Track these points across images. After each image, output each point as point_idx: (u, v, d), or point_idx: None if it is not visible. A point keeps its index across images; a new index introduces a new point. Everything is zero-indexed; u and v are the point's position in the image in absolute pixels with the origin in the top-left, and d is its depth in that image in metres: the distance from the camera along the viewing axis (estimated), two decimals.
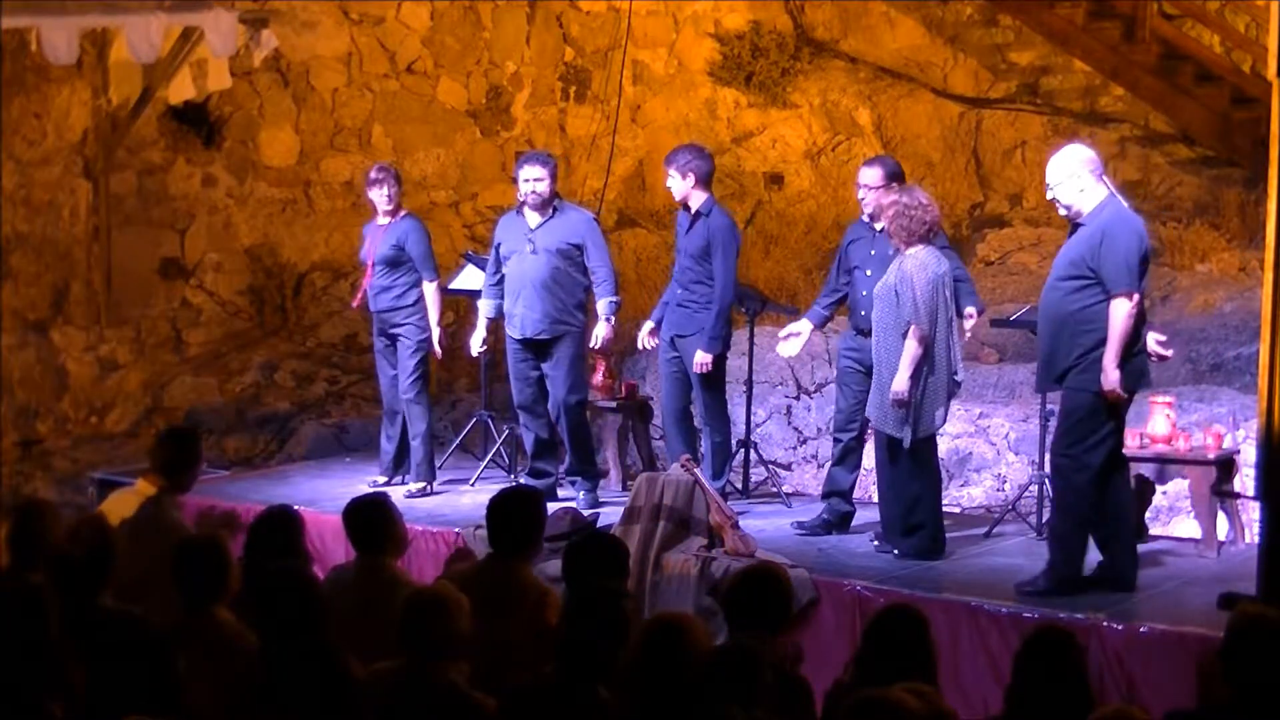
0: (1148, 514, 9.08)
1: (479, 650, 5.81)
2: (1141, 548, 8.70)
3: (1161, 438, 8.66)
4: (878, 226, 8.83)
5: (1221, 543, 8.52)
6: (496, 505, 6.76)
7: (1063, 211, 7.88)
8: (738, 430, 10.19)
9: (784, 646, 7.73)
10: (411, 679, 5.44)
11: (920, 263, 8.21)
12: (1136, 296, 7.57)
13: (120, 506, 7.53)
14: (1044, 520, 8.82)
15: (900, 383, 8.17)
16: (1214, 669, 5.28)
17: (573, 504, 9.30)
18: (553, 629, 5.89)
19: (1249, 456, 8.29)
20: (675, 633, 5.11)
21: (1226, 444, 8.85)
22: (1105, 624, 7.22)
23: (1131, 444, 8.74)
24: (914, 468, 8.40)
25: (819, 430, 11.29)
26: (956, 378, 8.42)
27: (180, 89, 11.99)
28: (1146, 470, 8.73)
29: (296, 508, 7.35)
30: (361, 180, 13.38)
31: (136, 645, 5.13)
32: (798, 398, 11.42)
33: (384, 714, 5.39)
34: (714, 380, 9.42)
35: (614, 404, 10.15)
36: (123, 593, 6.10)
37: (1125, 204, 7.83)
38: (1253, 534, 8.34)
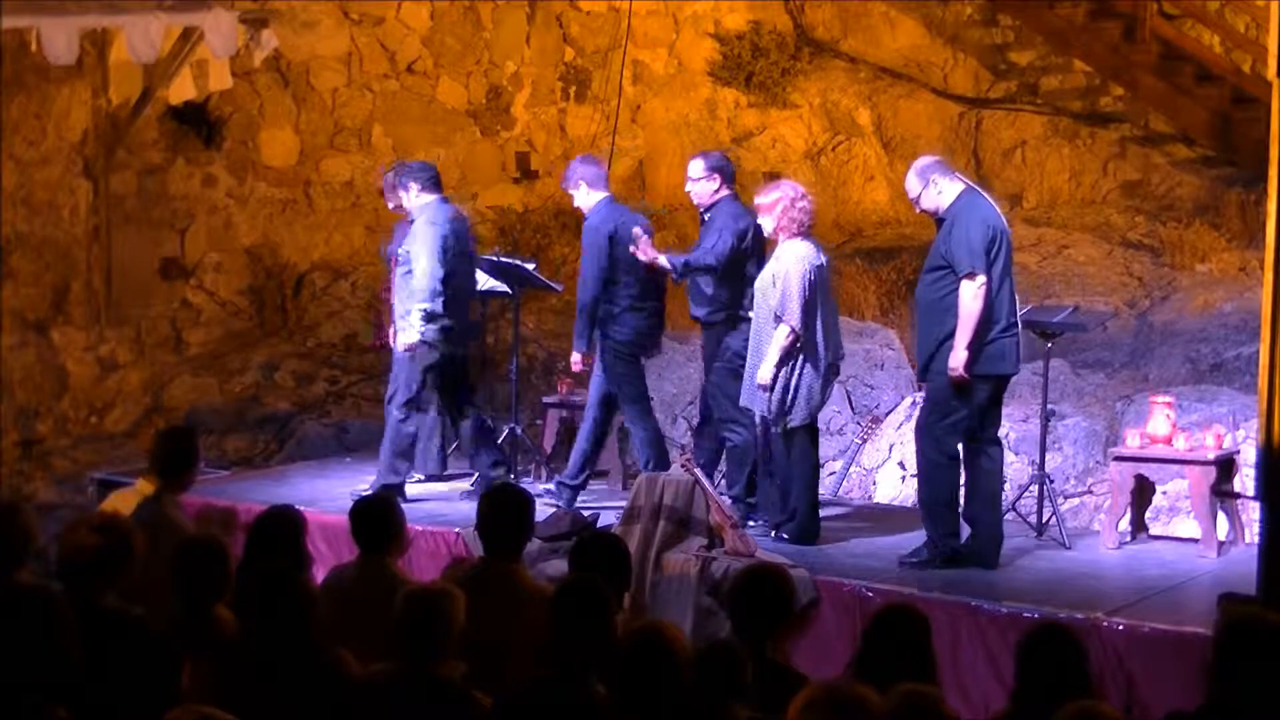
0: (1148, 514, 9.08)
1: (476, 652, 5.81)
2: (1142, 548, 8.74)
3: (1161, 438, 8.66)
4: (707, 216, 9.09)
5: (1221, 543, 8.52)
6: (483, 509, 6.76)
7: (935, 215, 8.27)
8: None
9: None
10: (410, 677, 5.44)
11: (798, 255, 8.46)
12: (982, 278, 7.90)
13: (120, 506, 7.52)
14: (1044, 520, 8.83)
15: (765, 371, 8.44)
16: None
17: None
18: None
19: (1249, 456, 8.29)
20: (655, 645, 5.09)
21: (1226, 444, 8.84)
22: (1105, 624, 7.23)
23: (1132, 444, 8.75)
24: (791, 455, 8.61)
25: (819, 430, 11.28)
26: (839, 360, 8.69)
27: (181, 89, 11.98)
28: (1146, 470, 8.74)
29: (299, 508, 7.34)
30: (362, 180, 13.46)
31: (137, 646, 5.13)
32: None
33: (382, 712, 5.39)
34: (614, 377, 9.29)
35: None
36: (123, 592, 6.10)
37: (982, 195, 8.28)
38: (1253, 534, 8.34)
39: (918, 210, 8.47)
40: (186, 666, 5.46)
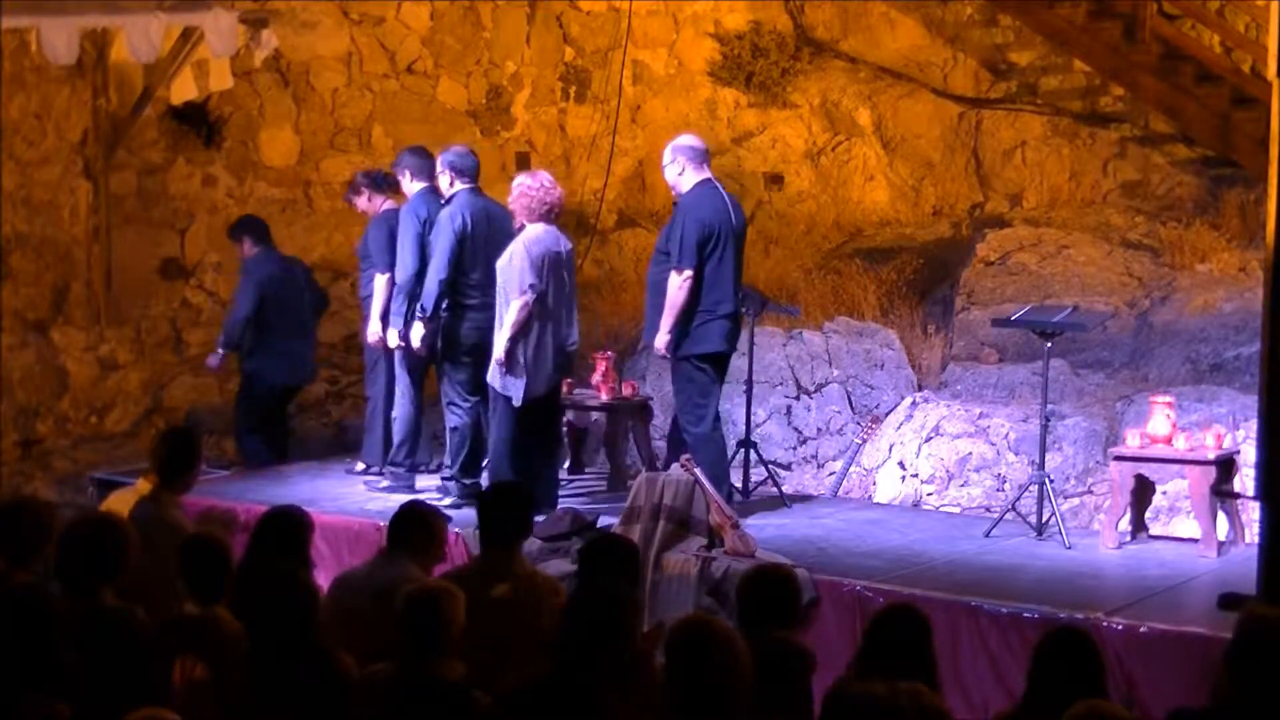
0: (1148, 514, 9.08)
1: (483, 644, 5.83)
2: (1141, 548, 8.75)
3: (1161, 437, 8.66)
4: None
5: (1221, 543, 8.52)
6: (484, 503, 6.91)
7: (673, 192, 9.19)
8: (738, 430, 10.18)
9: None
10: (409, 677, 5.44)
11: (533, 237, 8.99)
12: (689, 273, 8.81)
13: (120, 506, 7.52)
14: (1044, 520, 8.83)
15: (499, 346, 8.93)
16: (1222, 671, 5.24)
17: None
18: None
19: (1249, 456, 8.29)
20: (712, 636, 5.05)
21: (1226, 444, 8.84)
22: (1105, 624, 7.22)
23: (1132, 444, 8.75)
24: (506, 425, 9.00)
25: (819, 430, 11.29)
26: (569, 347, 9.14)
27: (181, 89, 11.97)
28: (1146, 470, 8.73)
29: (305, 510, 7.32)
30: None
31: (130, 643, 5.14)
32: (797, 398, 11.41)
33: (383, 712, 5.39)
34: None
35: (613, 404, 10.12)
36: (121, 592, 6.10)
37: (716, 190, 9.05)
38: (1252, 534, 8.34)
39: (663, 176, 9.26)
40: (186, 666, 5.48)
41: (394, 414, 9.88)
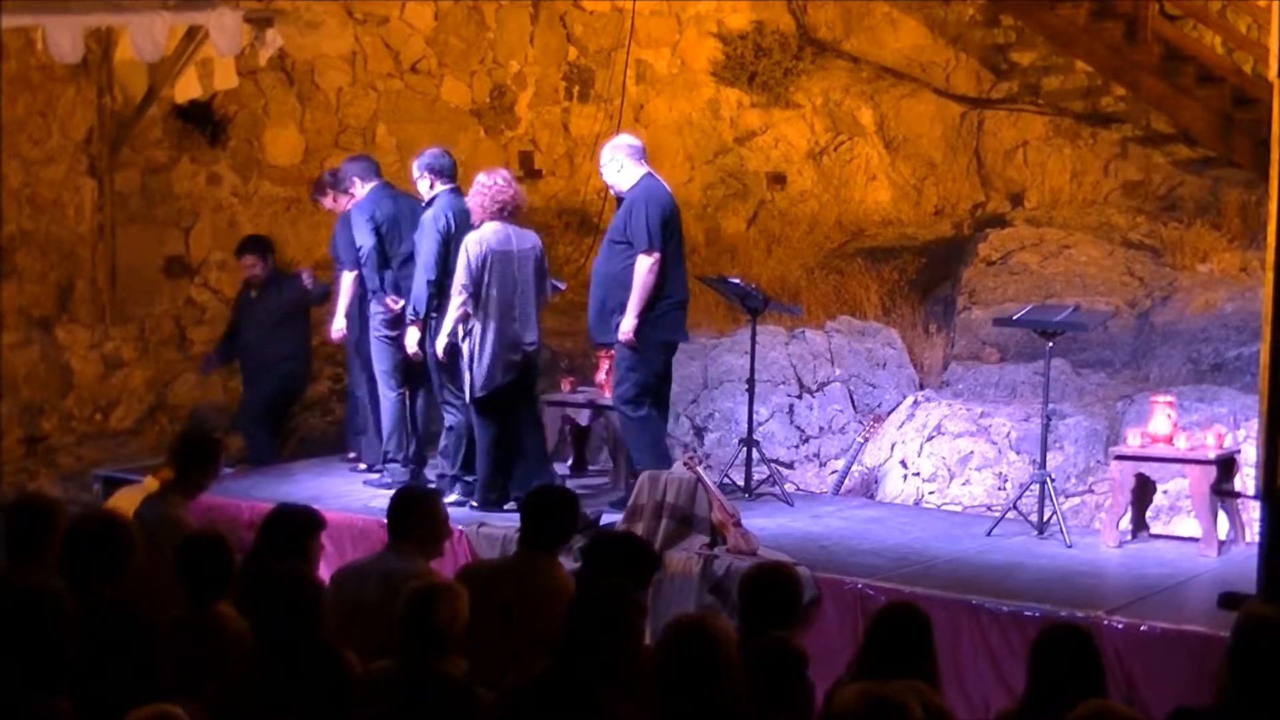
0: (1148, 513, 9.11)
1: (502, 644, 5.85)
2: (1142, 547, 8.77)
3: (1162, 437, 8.68)
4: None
5: (1222, 542, 8.54)
6: (528, 503, 6.93)
7: (612, 191, 9.31)
8: (740, 429, 10.20)
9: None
10: (412, 674, 5.46)
11: (477, 237, 9.05)
12: (656, 255, 8.93)
13: (126, 504, 7.57)
14: (1045, 519, 8.86)
15: (439, 342, 9.07)
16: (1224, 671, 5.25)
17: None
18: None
19: (1249, 456, 8.32)
20: (704, 635, 5.07)
21: (1227, 443, 8.86)
22: (1105, 622, 7.25)
23: (1133, 443, 8.78)
24: (477, 423, 9.13)
25: (821, 429, 11.31)
26: (526, 346, 9.15)
27: (186, 88, 12.00)
28: (1147, 469, 8.75)
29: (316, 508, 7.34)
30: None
31: (133, 640, 5.16)
32: (800, 396, 11.44)
33: (386, 710, 5.41)
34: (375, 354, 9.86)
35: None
36: (125, 589, 6.12)
37: (660, 182, 9.23)
38: (1253, 533, 8.36)
39: (599, 178, 9.49)
40: (187, 661, 5.50)
41: (381, 409, 9.95)
